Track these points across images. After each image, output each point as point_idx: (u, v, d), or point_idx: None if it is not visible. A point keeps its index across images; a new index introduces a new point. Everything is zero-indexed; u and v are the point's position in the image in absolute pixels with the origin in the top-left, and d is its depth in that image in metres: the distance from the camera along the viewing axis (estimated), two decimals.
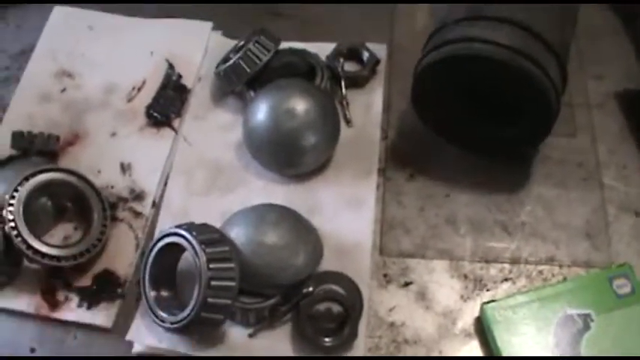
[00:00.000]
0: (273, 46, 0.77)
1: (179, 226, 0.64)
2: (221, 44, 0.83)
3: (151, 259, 0.66)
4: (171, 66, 0.83)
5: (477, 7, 0.67)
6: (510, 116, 0.69)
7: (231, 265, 0.62)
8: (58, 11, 0.89)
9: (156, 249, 0.66)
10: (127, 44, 0.85)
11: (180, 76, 0.82)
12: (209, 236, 0.63)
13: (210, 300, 0.61)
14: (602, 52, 0.81)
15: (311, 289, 0.64)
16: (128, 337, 0.66)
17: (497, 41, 0.64)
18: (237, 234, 0.65)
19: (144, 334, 0.66)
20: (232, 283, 0.62)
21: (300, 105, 0.71)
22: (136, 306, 0.68)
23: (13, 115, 0.81)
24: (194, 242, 0.62)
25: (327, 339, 0.63)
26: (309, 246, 0.66)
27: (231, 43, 0.81)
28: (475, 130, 0.72)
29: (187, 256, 0.63)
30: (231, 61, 0.76)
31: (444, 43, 0.67)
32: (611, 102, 0.77)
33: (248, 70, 0.76)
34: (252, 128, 0.72)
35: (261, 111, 0.71)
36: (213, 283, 0.61)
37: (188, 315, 0.62)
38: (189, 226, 0.64)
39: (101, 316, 0.67)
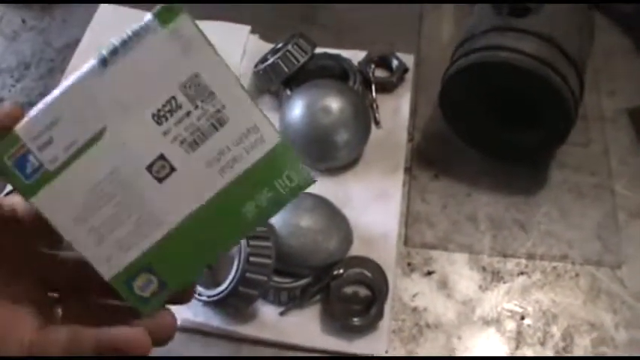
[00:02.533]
0: (311, 49, 0.82)
1: None
2: (258, 47, 0.88)
3: None
4: None
5: (504, 20, 0.73)
6: (530, 123, 0.74)
7: (269, 243, 0.66)
8: (104, 9, 0.94)
9: None
10: None
11: None
12: None
13: (247, 275, 0.65)
14: (614, 71, 0.87)
15: (341, 271, 0.69)
16: None
17: (522, 50, 0.69)
18: (275, 217, 0.69)
19: (180, 308, 0.69)
20: (269, 261, 0.66)
21: (335, 103, 0.76)
22: None
23: None
24: None
25: (355, 319, 0.67)
26: (340, 232, 0.70)
27: (268, 46, 0.86)
28: (496, 136, 0.77)
29: None
30: (270, 61, 0.81)
31: (472, 51, 0.72)
32: (623, 117, 0.83)
33: (286, 69, 0.80)
34: (289, 123, 0.77)
35: (299, 107, 0.76)
36: (251, 259, 0.65)
37: (226, 288, 0.66)
38: None
39: None
